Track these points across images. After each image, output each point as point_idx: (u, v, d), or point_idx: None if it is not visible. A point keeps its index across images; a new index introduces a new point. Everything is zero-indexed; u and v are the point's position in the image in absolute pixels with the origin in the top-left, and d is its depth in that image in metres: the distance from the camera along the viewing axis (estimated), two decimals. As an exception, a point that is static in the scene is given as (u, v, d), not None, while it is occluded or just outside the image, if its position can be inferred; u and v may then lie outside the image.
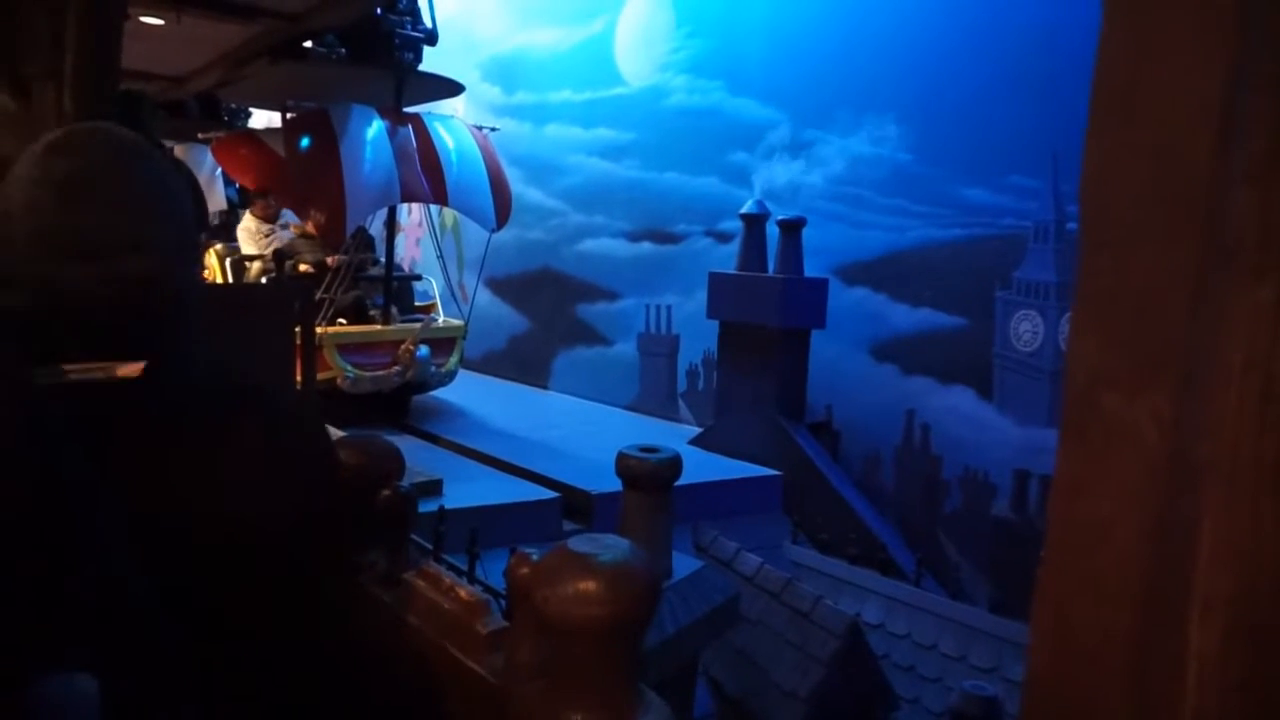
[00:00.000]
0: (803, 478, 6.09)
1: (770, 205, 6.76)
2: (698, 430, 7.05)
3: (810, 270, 6.50)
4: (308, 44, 6.04)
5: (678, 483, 2.80)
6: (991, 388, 5.99)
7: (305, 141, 6.34)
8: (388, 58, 6.39)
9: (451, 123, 7.06)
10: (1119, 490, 0.50)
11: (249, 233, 7.33)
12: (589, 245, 9.09)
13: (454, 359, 7.08)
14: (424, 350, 6.62)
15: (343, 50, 6.35)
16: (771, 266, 6.52)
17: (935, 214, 6.29)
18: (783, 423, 6.28)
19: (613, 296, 8.85)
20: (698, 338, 7.83)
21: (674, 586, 2.72)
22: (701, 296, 6.95)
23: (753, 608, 3.78)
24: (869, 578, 4.68)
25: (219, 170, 8.43)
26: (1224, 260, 0.43)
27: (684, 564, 2.92)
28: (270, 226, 7.41)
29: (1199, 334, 0.45)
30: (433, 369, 6.77)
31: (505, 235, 7.85)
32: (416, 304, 7.52)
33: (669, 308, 8.31)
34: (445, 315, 7.48)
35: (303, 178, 6.40)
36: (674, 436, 6.75)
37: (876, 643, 4.11)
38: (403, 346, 6.55)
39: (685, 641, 2.64)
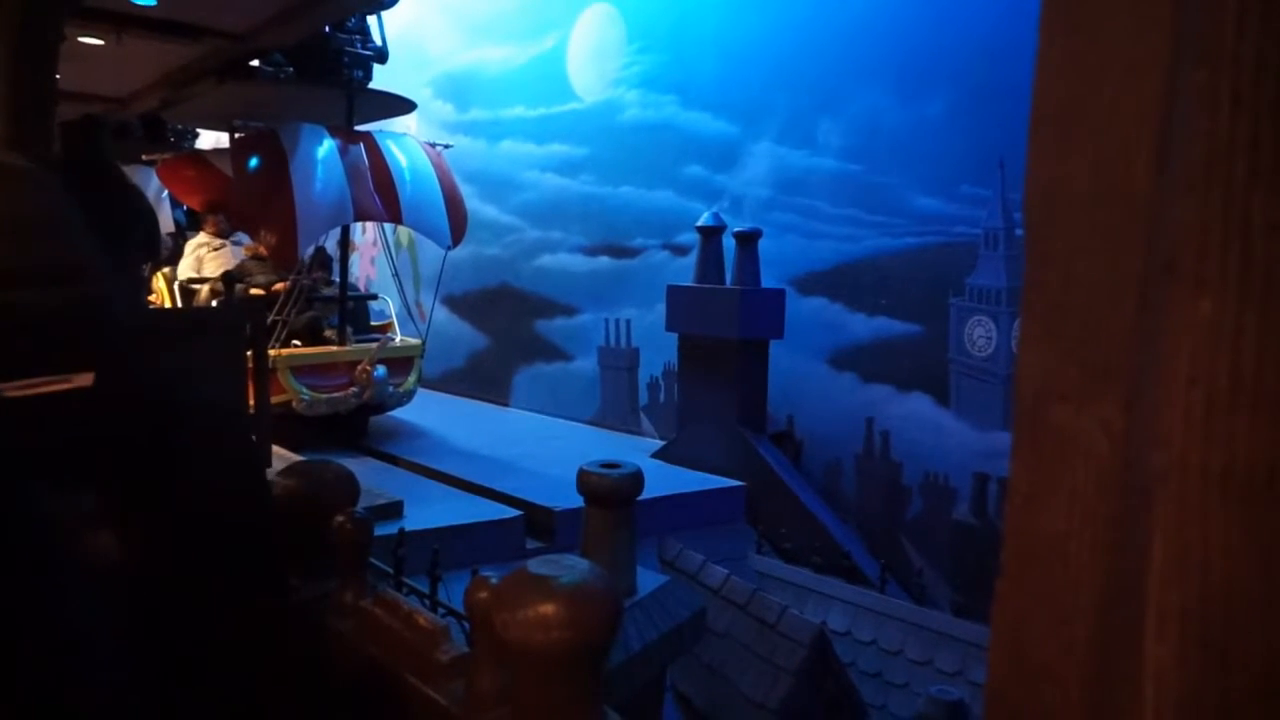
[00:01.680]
0: (766, 488, 6.11)
1: (726, 217, 6.80)
2: (660, 443, 7.04)
3: (767, 281, 6.55)
4: (255, 63, 5.95)
5: (641, 496, 2.79)
6: (948, 393, 6.08)
7: (254, 162, 6.22)
8: (337, 76, 6.30)
9: (404, 140, 7.00)
10: (1072, 502, 0.50)
11: (204, 248, 7.17)
12: (546, 261, 9.07)
13: (412, 378, 6.97)
14: (381, 370, 6.50)
15: (290, 69, 6.26)
16: (729, 278, 6.56)
17: (888, 223, 6.38)
18: (744, 433, 6.30)
19: (571, 311, 8.83)
20: (658, 351, 7.84)
21: (639, 603, 2.70)
22: (660, 309, 6.96)
23: (719, 620, 3.78)
24: (834, 585, 4.71)
25: (165, 192, 8.26)
26: (1165, 273, 0.43)
27: (649, 579, 2.91)
28: (222, 241, 7.22)
29: (1144, 346, 0.46)
30: (390, 389, 6.66)
31: (462, 252, 7.80)
32: (373, 324, 7.40)
33: (628, 321, 8.32)
34: (402, 334, 7.37)
35: (253, 199, 6.25)
36: (636, 450, 6.74)
37: (843, 650, 4.13)
38: (359, 367, 6.44)
39: (651, 658, 2.62)
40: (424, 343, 7.14)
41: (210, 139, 9.21)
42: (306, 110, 6.43)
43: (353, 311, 6.99)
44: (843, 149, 6.69)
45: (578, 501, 2.82)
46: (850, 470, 6.57)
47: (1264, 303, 0.40)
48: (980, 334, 5.94)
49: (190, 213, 8.79)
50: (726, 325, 6.34)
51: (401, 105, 6.90)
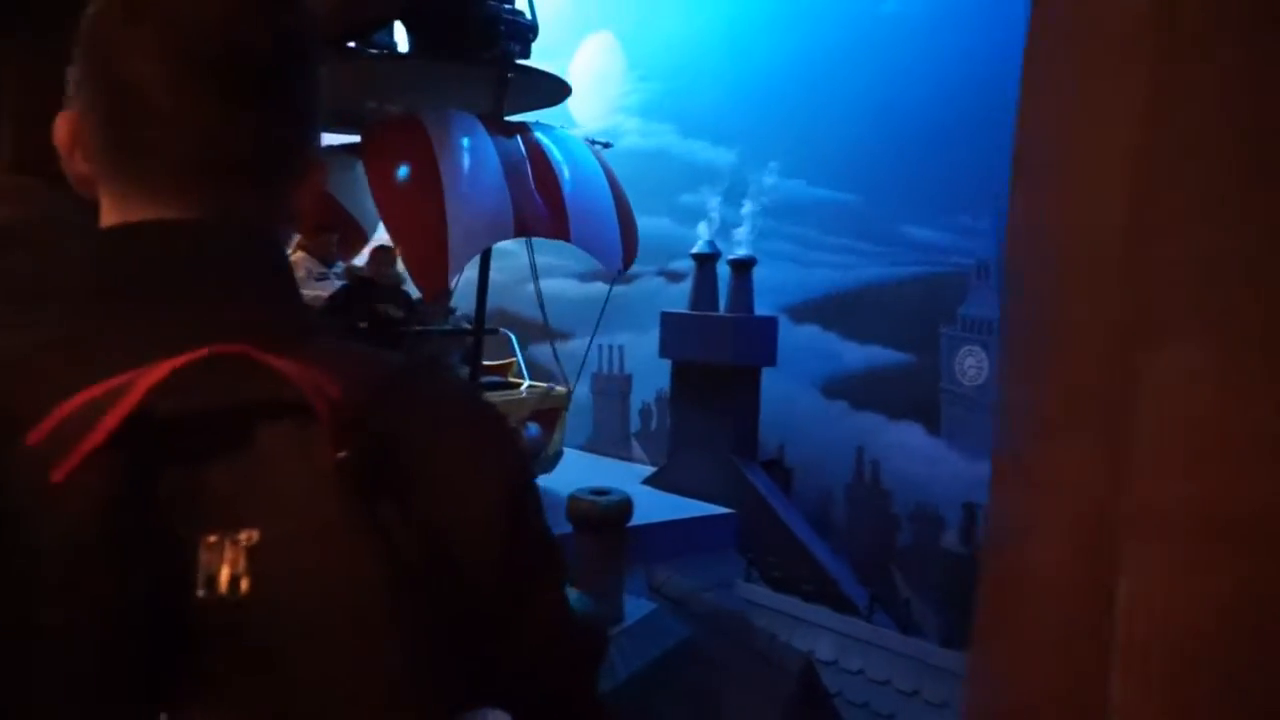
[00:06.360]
0: (756, 515, 6.10)
1: (721, 245, 6.84)
2: (652, 469, 7.03)
3: (760, 308, 6.58)
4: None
5: (632, 522, 2.79)
6: (939, 422, 6.09)
7: (394, 158, 4.89)
8: (483, 51, 4.78)
9: (563, 135, 5.53)
10: (1048, 540, 0.51)
11: (298, 272, 5.79)
12: (541, 285, 9.08)
13: (558, 436, 5.54)
14: (534, 428, 5.09)
15: (392, 45, 4.99)
16: (723, 305, 6.59)
17: (881, 252, 6.43)
18: (736, 461, 6.30)
19: (565, 336, 8.84)
20: (651, 377, 7.85)
21: (626, 630, 2.69)
22: (654, 336, 6.98)
23: (707, 648, 3.76)
24: (822, 614, 4.69)
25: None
26: (1142, 316, 0.45)
27: (637, 607, 2.90)
28: (323, 270, 5.61)
29: (1121, 387, 0.47)
30: (546, 452, 5.36)
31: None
32: (486, 363, 5.89)
33: (621, 347, 8.33)
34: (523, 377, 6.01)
35: (391, 204, 4.81)
36: (628, 476, 6.72)
37: (831, 680, 4.11)
38: None
39: (638, 687, 2.61)
40: (571, 391, 5.69)
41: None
42: (427, 96, 5.10)
43: (469, 348, 5.67)
44: (839, 179, 6.75)
45: (566, 528, 2.81)
46: (841, 499, 6.57)
47: (1239, 348, 0.41)
48: (971, 363, 5.96)
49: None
50: (720, 352, 6.35)
51: (556, 89, 5.46)
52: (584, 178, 5.25)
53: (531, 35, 5.10)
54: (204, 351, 0.47)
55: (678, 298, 7.19)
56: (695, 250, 6.79)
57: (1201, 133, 0.44)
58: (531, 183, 5.01)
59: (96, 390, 0.45)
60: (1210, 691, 0.39)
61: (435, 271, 4.57)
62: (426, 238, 4.57)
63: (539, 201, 4.99)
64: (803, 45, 6.97)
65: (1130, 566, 0.42)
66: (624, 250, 5.42)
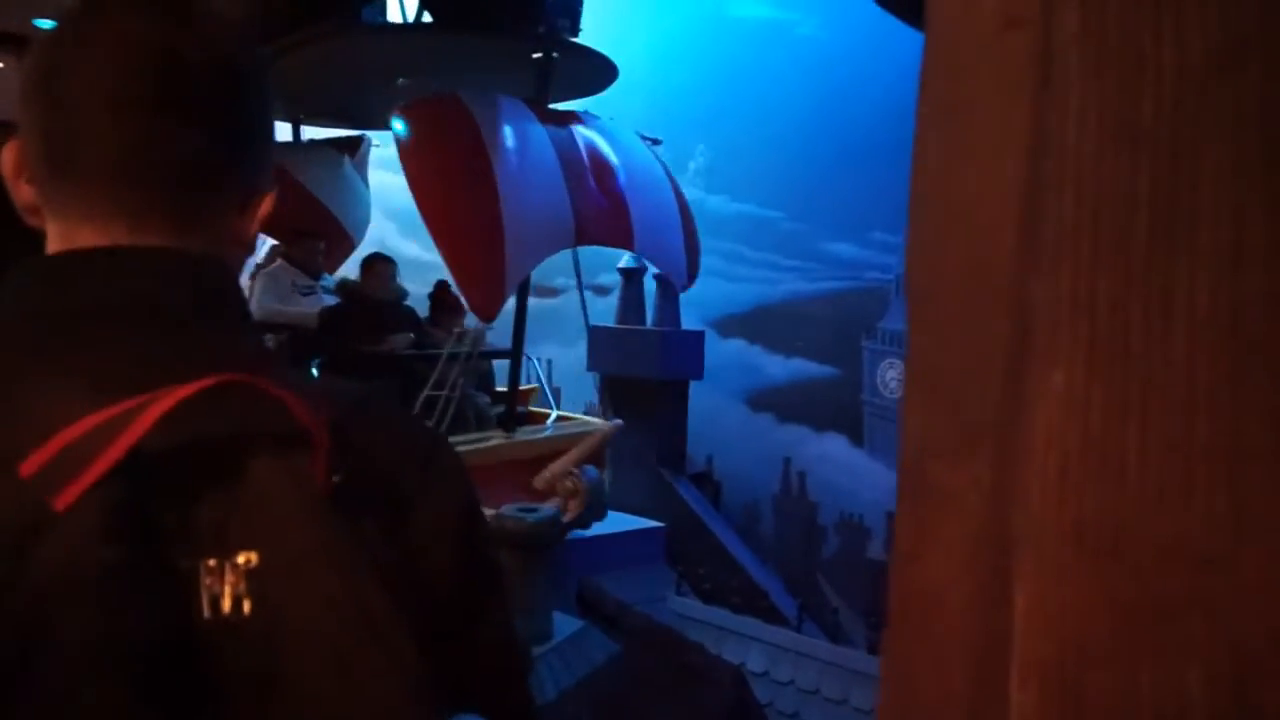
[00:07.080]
0: (686, 528, 6.13)
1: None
2: (581, 484, 7.02)
3: (687, 323, 6.64)
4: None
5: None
6: (862, 433, 6.23)
7: (437, 146, 4.01)
8: (522, 26, 3.97)
9: (613, 126, 4.72)
10: (948, 557, 0.53)
11: (271, 281, 4.70)
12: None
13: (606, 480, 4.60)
14: (593, 471, 4.13)
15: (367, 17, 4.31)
16: (650, 319, 6.62)
17: (804, 268, 6.57)
18: (664, 474, 6.33)
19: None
20: (579, 391, 7.83)
21: (555, 648, 2.68)
22: (582, 349, 6.98)
23: (638, 664, 3.76)
24: (752, 626, 4.74)
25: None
26: (1024, 345, 0.47)
27: (566, 624, 2.89)
28: (309, 282, 4.79)
29: (1010, 410, 0.49)
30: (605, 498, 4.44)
31: (381, 290, 7.68)
32: (498, 389, 5.10)
33: (549, 361, 8.29)
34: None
35: (437, 204, 3.97)
36: (557, 491, 6.69)
37: (762, 691, 4.15)
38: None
39: (568, 705, 2.59)
40: (618, 424, 4.85)
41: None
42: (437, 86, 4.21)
43: (484, 375, 4.90)
44: (762, 195, 6.88)
45: (494, 545, 2.79)
46: (768, 510, 6.65)
47: (1108, 374, 0.43)
48: (892, 376, 6.12)
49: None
50: (647, 366, 6.38)
51: (603, 72, 4.60)
52: (643, 176, 4.52)
53: (579, 9, 4.30)
54: (211, 380, 0.46)
55: (605, 312, 7.20)
56: (622, 265, 6.82)
57: (1081, 167, 0.47)
58: (591, 182, 4.25)
59: (90, 420, 0.44)
60: (1104, 700, 0.41)
61: (491, 287, 3.81)
62: (481, 246, 3.79)
63: (601, 202, 4.24)
64: (724, 64, 7.09)
65: (1023, 581, 0.44)
66: (688, 261, 4.65)
